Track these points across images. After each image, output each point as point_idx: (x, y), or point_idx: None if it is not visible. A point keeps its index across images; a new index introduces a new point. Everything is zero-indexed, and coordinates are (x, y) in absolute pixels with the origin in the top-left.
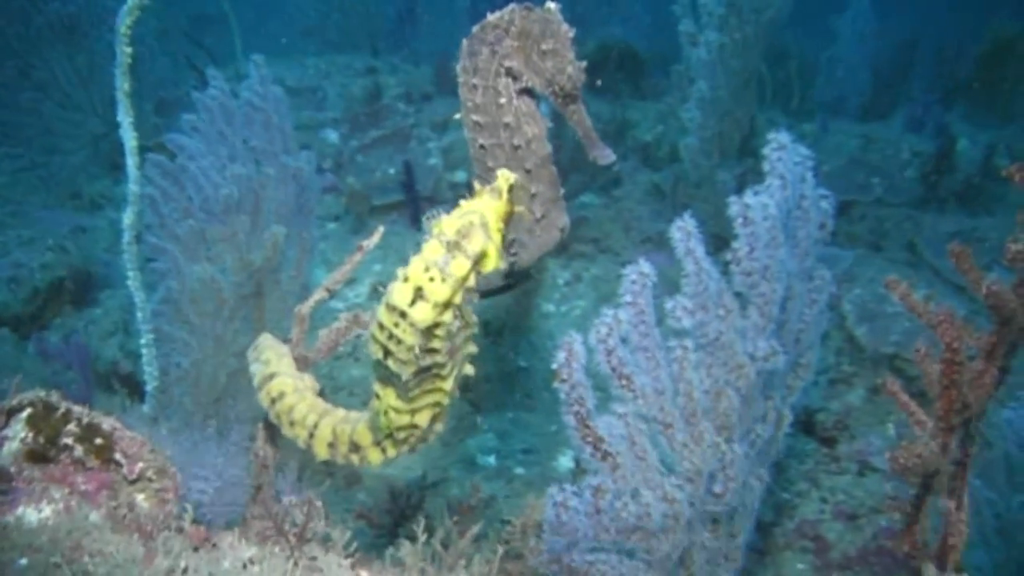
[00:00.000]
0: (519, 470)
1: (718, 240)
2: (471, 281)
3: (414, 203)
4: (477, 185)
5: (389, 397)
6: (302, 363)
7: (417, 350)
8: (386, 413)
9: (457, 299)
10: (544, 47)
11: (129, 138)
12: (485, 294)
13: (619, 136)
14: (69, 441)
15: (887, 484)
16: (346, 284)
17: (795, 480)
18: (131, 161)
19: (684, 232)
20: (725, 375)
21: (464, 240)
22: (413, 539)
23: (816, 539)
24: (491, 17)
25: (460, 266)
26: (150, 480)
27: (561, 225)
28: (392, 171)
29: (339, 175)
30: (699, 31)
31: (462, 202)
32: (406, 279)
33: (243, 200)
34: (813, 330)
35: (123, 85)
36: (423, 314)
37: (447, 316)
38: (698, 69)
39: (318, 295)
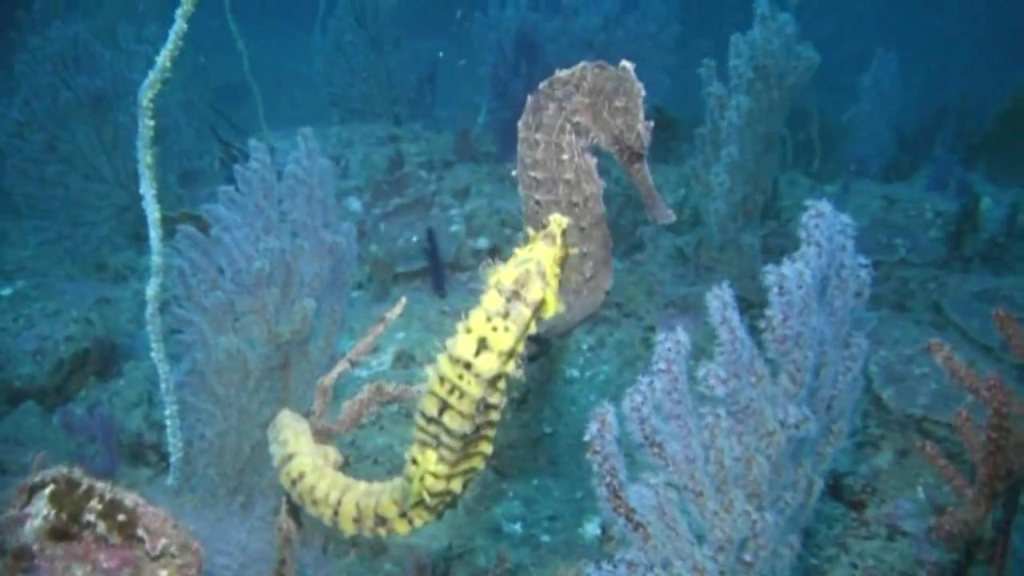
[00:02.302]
0: (545, 537)
1: (742, 302)
2: (532, 329)
3: (437, 271)
4: (531, 231)
5: (429, 462)
6: (325, 435)
7: (482, 403)
8: (422, 479)
9: (520, 348)
10: (617, 104)
11: (152, 210)
12: None
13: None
14: (92, 518)
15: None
16: (369, 353)
17: (824, 545)
18: (154, 233)
19: (720, 301)
20: (755, 442)
21: (523, 289)
22: None
23: None
24: (561, 73)
25: (522, 315)
26: (173, 556)
27: (607, 287)
28: (415, 239)
29: (362, 243)
30: (728, 94)
31: (517, 251)
32: (468, 331)
33: (275, 273)
34: (846, 397)
35: (145, 157)
36: (489, 364)
37: (510, 366)
38: (729, 133)
39: (341, 366)
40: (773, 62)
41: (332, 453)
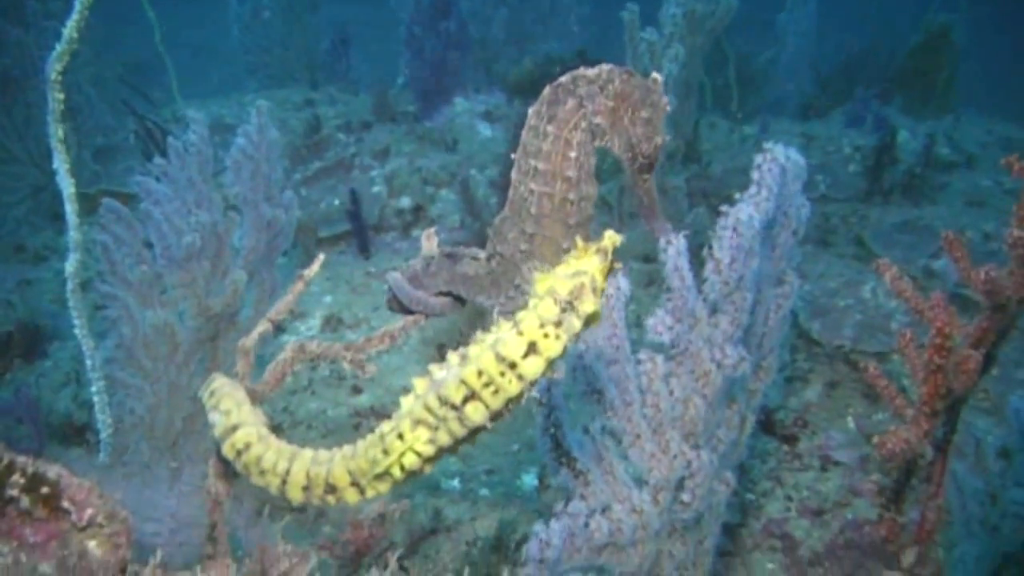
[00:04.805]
0: (483, 491)
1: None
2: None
3: (361, 233)
4: (580, 242)
5: (418, 441)
6: (250, 397)
7: (512, 401)
8: (403, 454)
9: (562, 356)
10: (642, 114)
11: (66, 185)
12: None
13: None
14: (14, 493)
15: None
16: (297, 317)
17: (759, 480)
18: (70, 208)
19: (675, 249)
20: (692, 383)
21: (576, 301)
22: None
23: (784, 537)
24: (587, 71)
25: (573, 326)
26: (101, 526)
27: None
28: (337, 202)
29: None
30: (660, 43)
31: (569, 259)
32: (520, 333)
33: (205, 246)
34: (776, 334)
35: (57, 132)
36: (535, 367)
37: (549, 371)
38: (666, 83)
39: (261, 327)
40: (701, 7)
41: (261, 415)
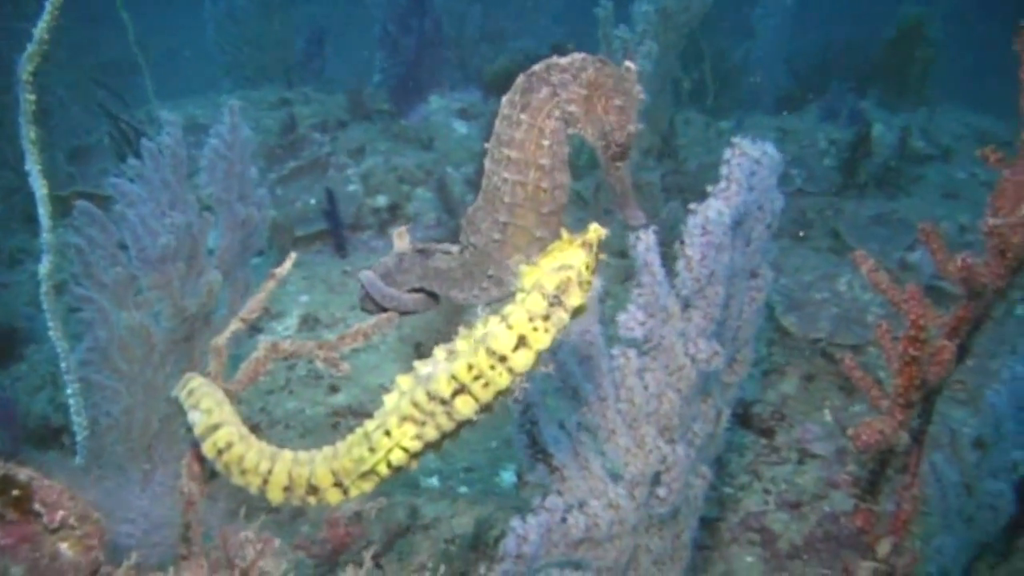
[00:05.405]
0: (463, 489)
1: None
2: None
3: (337, 232)
4: (565, 234)
5: (404, 437)
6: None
7: (501, 394)
8: (390, 451)
9: (550, 349)
10: (616, 102)
11: (39, 187)
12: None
13: None
14: None
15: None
16: (274, 317)
17: (737, 474)
18: (43, 210)
19: (644, 244)
20: (666, 378)
21: (563, 295)
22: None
23: (762, 531)
24: (560, 59)
25: (561, 320)
26: (73, 528)
27: None
28: (313, 201)
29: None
30: (632, 40)
31: (554, 251)
32: (510, 327)
33: (180, 247)
34: (750, 327)
35: (29, 133)
36: (525, 360)
37: (537, 365)
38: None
39: (234, 326)
40: (673, 3)
41: (238, 416)
